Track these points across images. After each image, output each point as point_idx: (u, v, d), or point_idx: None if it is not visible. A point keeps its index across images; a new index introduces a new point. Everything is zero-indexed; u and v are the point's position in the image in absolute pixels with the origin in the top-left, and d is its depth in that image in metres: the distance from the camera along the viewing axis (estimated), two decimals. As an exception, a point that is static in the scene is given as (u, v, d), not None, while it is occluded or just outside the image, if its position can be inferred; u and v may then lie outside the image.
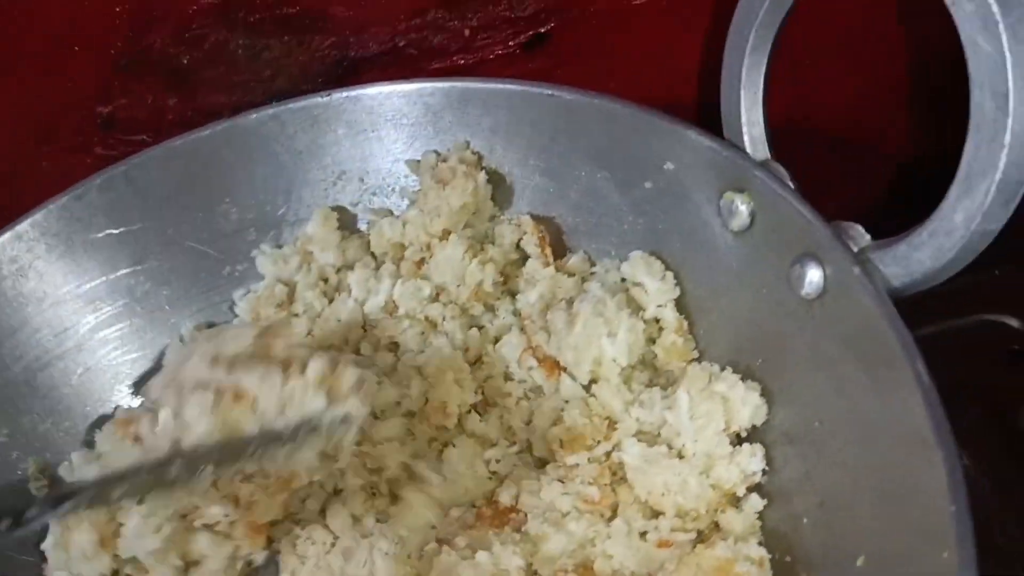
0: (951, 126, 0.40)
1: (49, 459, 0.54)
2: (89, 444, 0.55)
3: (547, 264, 0.55)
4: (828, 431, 0.42)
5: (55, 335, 0.56)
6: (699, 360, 0.51)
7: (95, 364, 0.57)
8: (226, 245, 0.59)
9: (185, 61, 0.56)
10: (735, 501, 0.46)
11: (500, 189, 0.57)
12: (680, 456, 0.46)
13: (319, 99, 0.57)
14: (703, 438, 0.45)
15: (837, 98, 0.65)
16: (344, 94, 0.57)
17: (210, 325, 0.59)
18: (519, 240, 0.57)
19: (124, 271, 0.57)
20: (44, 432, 0.55)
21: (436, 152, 0.57)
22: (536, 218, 0.57)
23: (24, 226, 0.55)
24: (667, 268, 0.52)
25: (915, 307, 0.40)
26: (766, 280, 0.46)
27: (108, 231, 0.56)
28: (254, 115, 0.57)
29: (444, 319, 0.55)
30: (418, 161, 0.58)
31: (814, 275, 0.42)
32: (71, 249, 0.56)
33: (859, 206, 0.54)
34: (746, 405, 0.46)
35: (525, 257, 0.57)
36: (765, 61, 0.47)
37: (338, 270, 0.59)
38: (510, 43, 0.59)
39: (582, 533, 0.46)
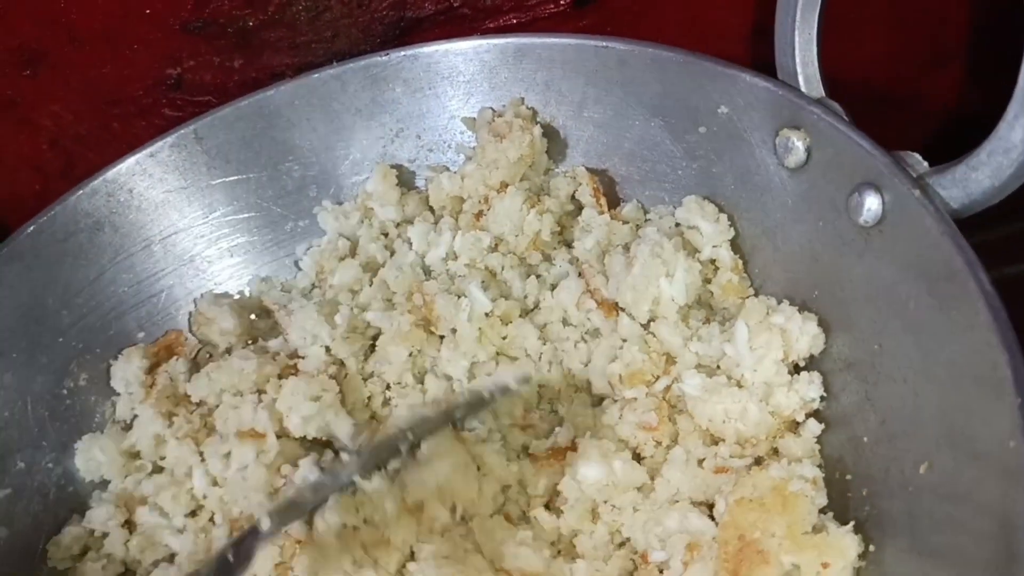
0: (996, 85, 0.41)
1: (124, 404, 0.57)
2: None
3: (602, 213, 0.57)
4: (888, 353, 0.43)
5: (129, 286, 0.58)
6: (755, 296, 0.52)
7: (168, 313, 0.59)
8: (289, 201, 0.61)
9: (251, 24, 0.58)
10: (794, 427, 0.47)
11: (554, 142, 0.59)
12: (739, 385, 0.47)
13: (378, 58, 0.59)
14: (762, 368, 0.47)
15: (878, 53, 0.66)
16: (402, 53, 0.59)
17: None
18: (574, 192, 0.58)
19: (194, 225, 0.60)
20: (121, 378, 0.57)
21: (492, 108, 0.59)
22: (590, 170, 0.58)
23: (99, 182, 0.57)
24: (720, 210, 0.53)
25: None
26: (822, 213, 0.47)
27: (179, 187, 0.59)
28: (316, 75, 0.59)
29: (503, 268, 0.57)
30: (474, 118, 0.60)
31: (873, 203, 0.43)
32: (143, 204, 0.58)
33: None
34: (804, 335, 0.47)
35: (580, 208, 0.58)
36: (819, 1, 0.48)
37: (398, 225, 0.61)
38: (561, 1, 0.61)
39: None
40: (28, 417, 0.54)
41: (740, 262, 0.53)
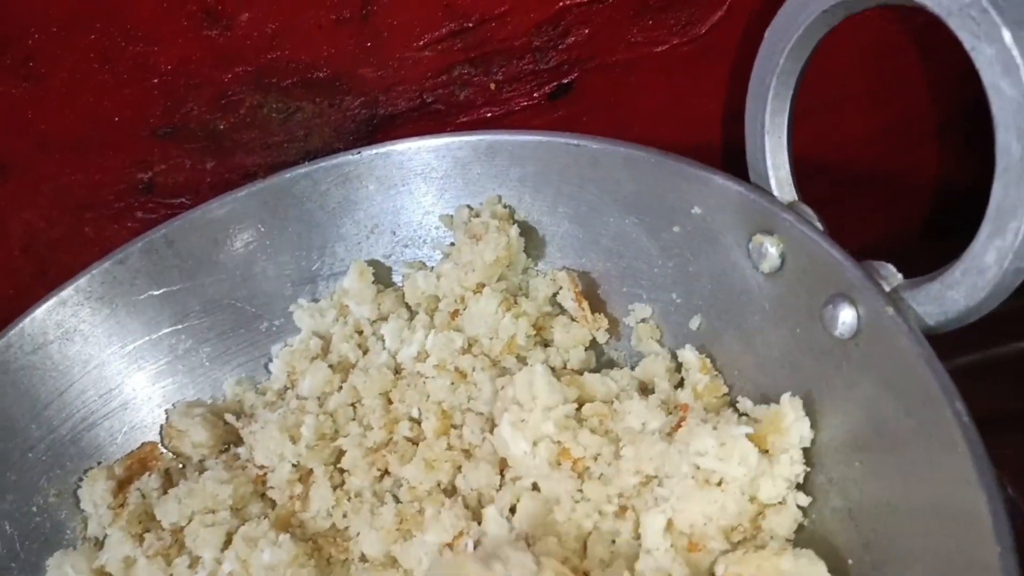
0: (979, 158, 0.40)
1: (96, 519, 0.56)
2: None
3: (585, 319, 0.56)
4: (869, 471, 0.42)
5: (100, 395, 0.57)
6: (731, 397, 0.51)
7: (140, 422, 0.58)
8: (263, 301, 0.61)
9: (221, 127, 0.58)
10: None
11: (531, 239, 0.58)
12: (718, 485, 0.46)
13: (350, 156, 0.59)
14: (739, 468, 0.45)
15: (859, 135, 0.65)
16: (375, 151, 0.58)
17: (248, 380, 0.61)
18: (554, 293, 0.57)
19: (166, 330, 0.59)
20: (92, 492, 0.56)
21: (468, 207, 0.58)
22: (570, 271, 0.57)
23: (68, 291, 0.57)
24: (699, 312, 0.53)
25: (955, 336, 0.40)
26: (799, 320, 0.46)
27: (150, 292, 0.58)
28: (288, 174, 0.59)
29: (474, 370, 0.56)
30: (451, 216, 0.59)
31: (847, 315, 0.42)
32: (115, 312, 0.58)
33: (888, 241, 0.54)
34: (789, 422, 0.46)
35: (560, 308, 0.58)
36: (788, 107, 0.47)
37: (373, 322, 0.60)
38: (535, 94, 0.60)
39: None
40: (-4, 538, 0.53)
41: (707, 360, 0.52)
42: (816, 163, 0.52)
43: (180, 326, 0.59)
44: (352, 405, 0.57)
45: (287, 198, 0.59)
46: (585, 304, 0.56)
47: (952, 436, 0.36)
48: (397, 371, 0.58)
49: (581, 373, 0.56)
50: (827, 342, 0.44)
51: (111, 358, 0.58)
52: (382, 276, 0.61)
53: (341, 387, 0.57)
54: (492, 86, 0.60)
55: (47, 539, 0.54)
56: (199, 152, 0.59)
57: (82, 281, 0.57)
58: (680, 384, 0.53)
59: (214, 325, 0.60)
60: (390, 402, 0.56)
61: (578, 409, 0.53)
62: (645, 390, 0.53)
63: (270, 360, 0.61)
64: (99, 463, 0.56)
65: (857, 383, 0.43)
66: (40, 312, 0.55)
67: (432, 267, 0.60)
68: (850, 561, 0.42)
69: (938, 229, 0.63)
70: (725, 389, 0.51)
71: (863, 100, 0.64)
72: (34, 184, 0.58)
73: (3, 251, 0.61)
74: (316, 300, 0.61)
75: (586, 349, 0.57)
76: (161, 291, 0.58)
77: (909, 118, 0.65)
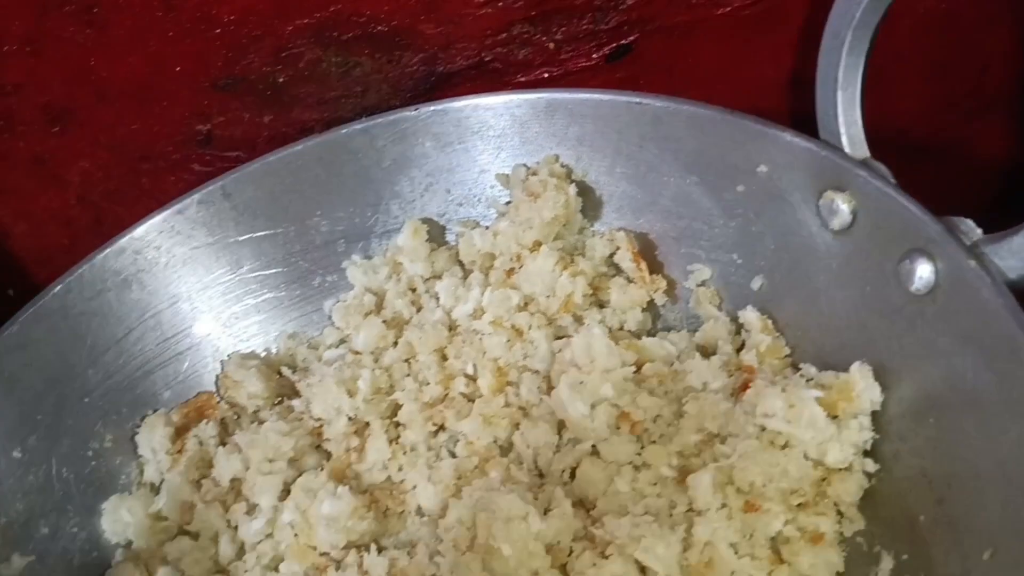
0: None
1: (151, 466, 0.56)
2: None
3: (643, 280, 0.55)
4: (945, 429, 0.41)
5: (156, 344, 0.57)
6: (792, 359, 0.51)
7: (194, 372, 0.58)
8: (317, 256, 0.61)
9: (281, 80, 0.58)
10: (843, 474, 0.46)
11: (588, 199, 0.58)
12: (784, 447, 0.46)
13: (408, 113, 0.58)
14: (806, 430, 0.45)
15: (922, 106, 0.64)
16: (432, 108, 0.58)
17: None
18: (611, 254, 0.57)
19: (221, 282, 0.59)
20: (146, 438, 0.56)
21: (526, 166, 0.58)
22: (629, 233, 0.57)
23: (127, 240, 0.57)
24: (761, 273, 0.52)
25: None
26: (869, 278, 0.45)
27: (206, 243, 0.58)
28: (344, 130, 0.58)
29: (530, 328, 0.56)
30: (507, 175, 0.59)
31: (924, 271, 0.42)
32: (171, 261, 0.58)
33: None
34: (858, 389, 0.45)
35: (616, 270, 0.57)
36: (862, 61, 0.47)
37: (426, 280, 0.60)
38: (594, 55, 0.60)
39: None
40: (53, 481, 0.53)
41: (769, 321, 0.51)
42: (877, 135, 0.52)
43: (234, 277, 0.59)
44: (407, 361, 0.57)
45: (343, 153, 0.59)
46: (643, 265, 0.55)
47: (1039, 387, 0.35)
48: (452, 328, 0.58)
49: (639, 336, 0.56)
50: (900, 299, 0.43)
51: (167, 307, 0.58)
52: (435, 235, 0.61)
53: (396, 343, 0.57)
54: (551, 46, 0.59)
55: (102, 484, 0.54)
56: (257, 105, 0.59)
57: (140, 230, 0.57)
58: (740, 348, 0.53)
59: (268, 279, 0.60)
60: (445, 358, 0.56)
61: (636, 371, 0.52)
62: (705, 354, 0.53)
63: (323, 314, 0.61)
64: (154, 410, 0.57)
65: (932, 340, 0.42)
66: (99, 259, 0.55)
67: (487, 226, 0.59)
68: (921, 517, 0.42)
69: (1005, 204, 0.62)
70: (787, 350, 0.51)
71: (926, 70, 0.63)
72: (93, 133, 0.58)
73: (60, 200, 0.61)
74: (369, 257, 0.61)
75: (643, 311, 0.56)
76: (216, 242, 0.58)
77: (974, 89, 0.64)
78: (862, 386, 0.44)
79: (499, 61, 0.59)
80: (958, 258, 0.40)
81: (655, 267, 0.56)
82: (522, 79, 0.60)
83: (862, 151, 0.47)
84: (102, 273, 0.56)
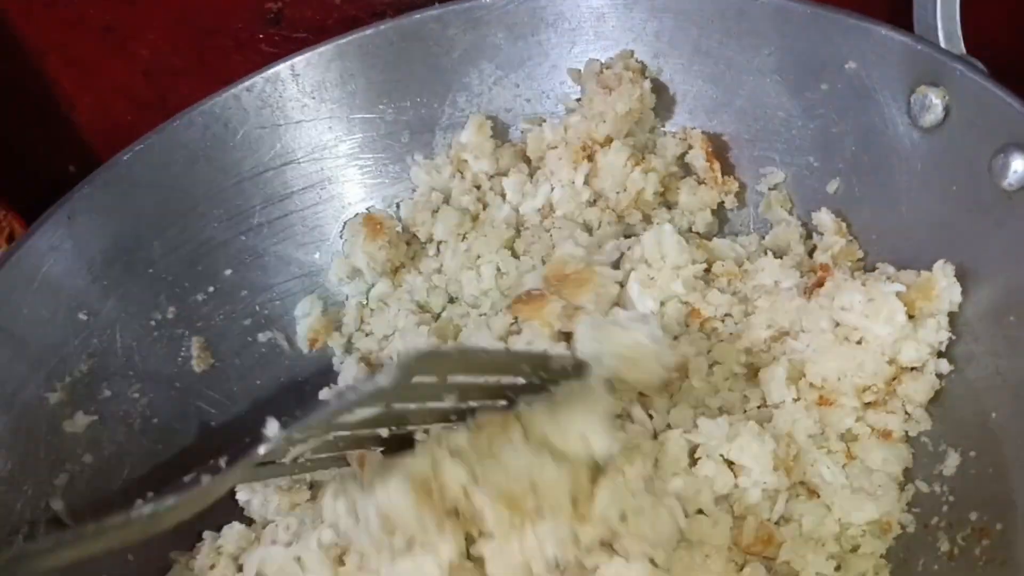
0: None
1: (209, 340, 0.56)
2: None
3: (716, 181, 0.55)
4: (1022, 322, 0.41)
5: (220, 222, 0.57)
6: (865, 263, 0.50)
7: (257, 253, 0.58)
8: (380, 147, 0.60)
9: (355, -41, 0.57)
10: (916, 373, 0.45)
11: (662, 97, 0.57)
12: (859, 343, 0.45)
13: (483, 0, 0.57)
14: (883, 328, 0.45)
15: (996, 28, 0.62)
16: (508, -5, 0.57)
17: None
18: (683, 153, 0.56)
19: (285, 163, 0.58)
20: (207, 313, 0.56)
21: (599, 60, 0.57)
22: (704, 133, 0.56)
23: (195, 113, 0.56)
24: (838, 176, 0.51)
25: None
26: (958, 176, 0.44)
27: (274, 123, 0.58)
28: (417, 15, 0.57)
29: (600, 224, 0.55)
30: (579, 70, 0.57)
31: (1019, 164, 0.41)
32: (238, 139, 0.57)
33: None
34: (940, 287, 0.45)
35: (685, 171, 0.57)
36: (967, -48, 0.45)
37: (491, 177, 0.59)
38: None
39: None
40: (116, 345, 0.53)
41: (843, 224, 0.51)
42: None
43: (299, 160, 0.59)
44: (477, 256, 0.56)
45: (414, 40, 0.58)
46: (717, 165, 0.55)
47: None
48: (519, 228, 0.57)
49: (707, 238, 0.55)
50: (990, 196, 0.42)
51: (232, 185, 0.57)
52: (499, 131, 0.60)
53: (465, 236, 0.57)
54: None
55: (164, 355, 0.55)
56: (330, -16, 0.58)
57: (208, 104, 0.56)
58: (812, 252, 0.52)
59: (332, 164, 0.59)
60: (515, 256, 0.56)
61: (707, 271, 0.52)
62: (776, 255, 0.52)
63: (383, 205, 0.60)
64: (215, 287, 0.57)
65: (1022, 237, 0.41)
66: (168, 131, 0.55)
67: (559, 121, 0.58)
68: (993, 414, 0.41)
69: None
70: (861, 254, 0.50)
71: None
72: (163, 4, 0.58)
73: (127, 74, 0.61)
74: (432, 155, 0.60)
75: (712, 213, 0.56)
76: (282, 123, 0.58)
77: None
78: (943, 285, 0.44)
79: (579, -49, 0.58)
80: (1059, 150, 0.39)
81: (727, 169, 0.56)
82: (601, -29, 0.59)
83: (959, 48, 0.46)
84: (170, 146, 0.55)
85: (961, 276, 0.44)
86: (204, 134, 0.56)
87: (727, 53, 0.54)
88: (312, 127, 0.59)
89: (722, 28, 0.53)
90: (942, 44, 0.46)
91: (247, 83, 0.57)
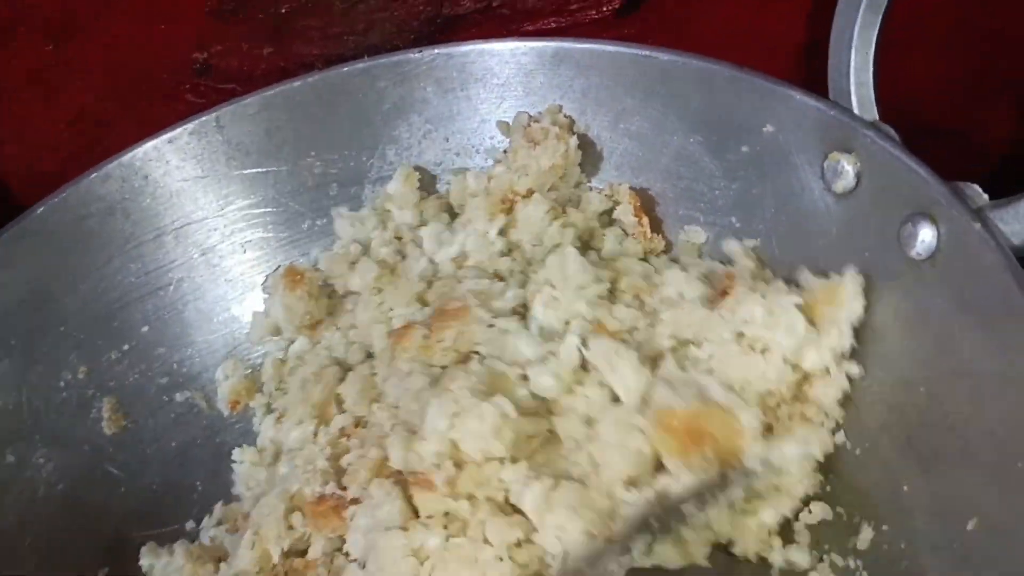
0: None
1: (121, 401, 0.55)
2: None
3: (644, 236, 0.54)
4: (936, 398, 0.40)
5: (137, 276, 0.56)
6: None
7: (173, 307, 0.57)
8: (308, 199, 0.59)
9: (283, 11, 0.57)
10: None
11: (588, 154, 0.56)
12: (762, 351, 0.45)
13: (411, 55, 0.57)
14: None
15: (929, 79, 0.63)
16: (436, 51, 0.57)
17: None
18: (610, 210, 0.56)
19: (208, 218, 0.57)
20: (120, 372, 0.55)
21: (528, 113, 0.57)
22: (632, 189, 0.56)
23: (113, 166, 0.55)
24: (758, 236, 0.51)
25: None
26: (869, 243, 0.44)
27: (196, 176, 0.57)
28: (346, 68, 0.57)
29: (512, 273, 0.55)
30: (508, 123, 0.57)
31: (927, 234, 0.41)
32: (158, 192, 0.56)
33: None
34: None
35: (605, 224, 0.56)
36: (879, 21, 0.46)
37: (413, 228, 0.58)
38: (604, 8, 0.59)
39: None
40: (22, 408, 0.51)
41: (752, 250, 0.51)
42: (886, 106, 0.51)
43: (222, 214, 0.58)
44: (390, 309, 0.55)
45: (342, 93, 0.57)
46: (645, 220, 0.54)
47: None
48: (433, 276, 0.56)
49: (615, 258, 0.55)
50: (899, 264, 0.42)
51: (151, 239, 0.56)
52: (427, 184, 0.59)
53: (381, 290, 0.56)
54: (561, -5, 0.58)
55: (73, 417, 0.53)
56: (258, 36, 0.58)
57: (128, 156, 0.55)
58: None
59: (256, 217, 0.59)
60: (425, 305, 0.55)
61: (612, 290, 0.52)
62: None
63: (310, 261, 0.59)
64: (131, 345, 0.55)
65: (930, 307, 0.41)
66: (85, 183, 0.54)
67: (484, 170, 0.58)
68: (905, 488, 0.41)
69: (1009, 181, 0.61)
70: (771, 276, 0.50)
71: (936, 45, 0.62)
72: (90, 52, 0.57)
73: (51, 123, 0.60)
74: (359, 207, 0.59)
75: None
76: (206, 176, 0.57)
77: (983, 70, 0.63)
78: (850, 292, 0.44)
79: (507, 7, 0.58)
80: (963, 221, 0.39)
81: (655, 225, 0.55)
82: (529, 27, 0.59)
83: (871, 114, 0.46)
84: (87, 198, 0.54)
85: (878, 335, 0.44)
86: (122, 186, 0.55)
87: (652, 113, 0.54)
88: (237, 179, 0.58)
89: (646, 88, 0.53)
90: (855, 110, 0.46)
91: (170, 134, 0.56)
